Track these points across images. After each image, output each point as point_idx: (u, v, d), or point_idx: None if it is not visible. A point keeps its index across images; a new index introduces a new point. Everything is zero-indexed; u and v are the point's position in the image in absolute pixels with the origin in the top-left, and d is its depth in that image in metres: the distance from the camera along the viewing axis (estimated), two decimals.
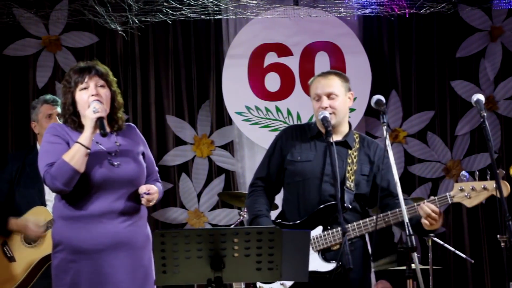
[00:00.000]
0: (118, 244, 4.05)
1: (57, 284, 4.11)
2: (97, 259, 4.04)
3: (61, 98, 4.26)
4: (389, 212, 4.33)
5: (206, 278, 3.50)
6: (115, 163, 4.12)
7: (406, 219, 3.95)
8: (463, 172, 4.28)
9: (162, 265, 3.46)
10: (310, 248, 4.29)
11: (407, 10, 7.13)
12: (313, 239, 4.36)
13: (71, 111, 4.17)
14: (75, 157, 3.98)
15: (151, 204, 4.16)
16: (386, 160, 4.25)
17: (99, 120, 4.02)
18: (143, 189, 4.12)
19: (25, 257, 5.34)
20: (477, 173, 4.31)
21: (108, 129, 4.15)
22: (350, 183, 4.42)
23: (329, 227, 4.39)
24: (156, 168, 4.44)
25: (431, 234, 6.37)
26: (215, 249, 3.44)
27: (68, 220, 4.10)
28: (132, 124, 4.40)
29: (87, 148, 4.00)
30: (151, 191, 4.11)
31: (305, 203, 4.45)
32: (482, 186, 4.25)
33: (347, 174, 4.44)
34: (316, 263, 4.33)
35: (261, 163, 4.68)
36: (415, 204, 4.31)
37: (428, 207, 4.23)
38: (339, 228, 4.33)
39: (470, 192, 4.27)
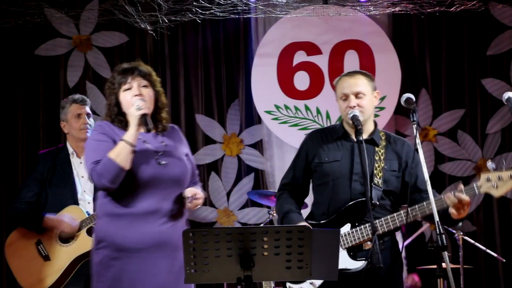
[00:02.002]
0: (161, 244, 4.04)
1: (98, 280, 4.11)
2: (139, 257, 4.04)
3: (106, 99, 4.27)
4: (416, 206, 4.32)
5: (236, 277, 3.51)
6: (162, 162, 4.12)
7: (437, 218, 3.94)
8: (489, 163, 4.25)
9: (192, 264, 3.47)
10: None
11: (437, 8, 7.09)
12: (341, 236, 4.36)
13: (116, 111, 4.18)
14: (120, 154, 3.99)
15: (195, 208, 4.17)
16: (414, 157, 4.30)
17: (143, 117, 4.03)
18: (189, 192, 4.12)
19: (59, 256, 5.37)
20: (504, 162, 4.29)
21: (152, 130, 4.17)
22: (378, 180, 4.41)
23: (357, 224, 4.39)
24: (197, 171, 4.44)
25: (459, 224, 6.34)
26: (244, 247, 3.44)
27: (113, 217, 4.10)
28: (176, 126, 4.39)
29: (132, 145, 4.01)
30: (198, 195, 4.11)
31: (336, 203, 4.45)
32: (509, 175, 4.22)
33: (375, 171, 4.44)
34: (345, 261, 4.32)
35: (288, 169, 4.72)
36: (441, 196, 4.29)
37: (456, 197, 4.21)
38: (367, 225, 4.34)
39: (496, 181, 4.24)
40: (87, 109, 5.64)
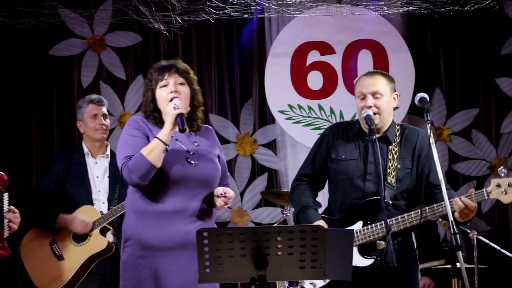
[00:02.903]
0: (187, 244, 4.03)
1: (124, 278, 4.11)
2: (165, 256, 4.05)
3: (143, 96, 4.28)
4: (426, 208, 4.32)
5: (250, 277, 3.51)
6: (193, 162, 4.13)
7: (451, 218, 3.93)
8: (501, 168, 4.23)
9: (205, 264, 3.47)
10: None
11: (451, 7, 7.07)
12: None
13: (151, 108, 4.20)
14: (153, 152, 3.99)
15: (225, 207, 4.18)
16: (427, 150, 4.35)
17: (179, 117, 4.02)
18: (219, 190, 4.12)
19: (73, 256, 5.39)
20: None
21: (186, 126, 4.17)
22: (391, 179, 4.41)
23: (369, 222, 4.39)
24: (228, 173, 4.45)
25: (468, 224, 6.35)
26: (258, 247, 3.45)
27: (141, 214, 4.10)
28: (210, 127, 4.40)
29: (166, 144, 4.01)
30: (228, 194, 4.11)
31: (348, 201, 4.46)
32: None
33: (388, 170, 4.44)
34: (354, 258, 4.32)
35: (306, 159, 4.70)
36: (451, 199, 4.28)
37: (462, 202, 4.20)
38: (378, 224, 4.35)
39: (506, 188, 4.22)
40: (104, 109, 5.65)
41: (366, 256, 4.39)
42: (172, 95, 4.11)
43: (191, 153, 4.16)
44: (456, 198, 4.25)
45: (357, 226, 4.41)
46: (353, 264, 4.28)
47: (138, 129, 4.17)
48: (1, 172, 4.43)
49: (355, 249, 4.36)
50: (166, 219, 4.06)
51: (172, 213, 4.07)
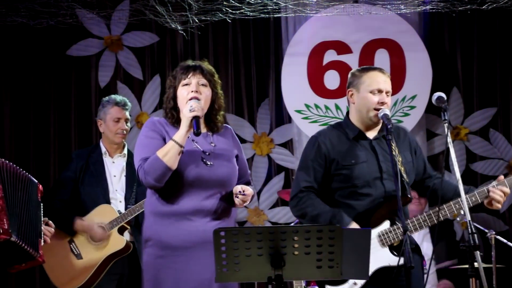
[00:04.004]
0: (206, 243, 4.02)
1: (145, 279, 4.15)
2: (184, 255, 4.07)
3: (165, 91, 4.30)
4: (445, 206, 4.32)
5: (267, 276, 3.51)
6: (209, 163, 4.13)
7: (469, 217, 3.92)
8: None
9: (222, 263, 3.48)
10: (380, 244, 4.28)
11: (469, 6, 7.04)
12: (382, 234, 4.33)
13: (171, 105, 4.21)
14: (168, 154, 4.01)
15: (245, 205, 4.16)
16: (417, 143, 4.51)
17: (195, 119, 4.03)
18: (238, 188, 4.12)
19: (91, 255, 5.42)
20: None
21: (204, 129, 4.20)
22: (404, 174, 4.38)
23: (396, 221, 4.36)
24: (249, 171, 4.44)
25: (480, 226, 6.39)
26: (275, 247, 3.45)
27: (159, 215, 4.13)
28: (229, 126, 4.40)
29: (181, 146, 4.03)
30: (247, 192, 4.11)
31: (370, 204, 4.40)
32: None
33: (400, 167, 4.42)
34: (388, 258, 4.30)
35: (303, 173, 4.49)
36: (485, 188, 4.31)
37: (501, 191, 4.27)
38: (408, 221, 4.35)
39: None
40: (127, 114, 5.67)
41: (397, 255, 4.33)
42: (192, 95, 4.12)
43: (207, 153, 4.16)
44: (492, 188, 4.30)
45: (385, 225, 4.38)
46: (388, 264, 4.29)
47: (154, 131, 4.19)
48: (37, 181, 4.47)
49: (386, 249, 4.34)
50: (184, 219, 4.08)
51: (190, 213, 4.08)
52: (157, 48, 7.69)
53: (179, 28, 7.15)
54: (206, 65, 4.27)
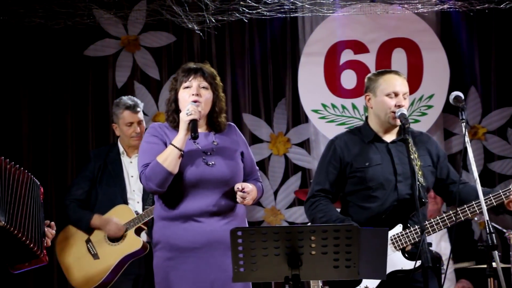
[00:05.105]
0: (214, 243, 4.06)
1: (156, 281, 4.18)
2: (193, 257, 4.08)
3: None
4: (465, 206, 4.30)
5: (284, 276, 3.51)
6: (210, 163, 4.13)
7: (487, 217, 3.90)
8: None
9: (239, 263, 3.48)
10: (392, 248, 4.28)
11: (486, 5, 7.01)
12: (394, 238, 4.33)
13: (173, 108, 4.22)
14: (168, 158, 4.02)
15: (246, 202, 4.13)
16: (441, 149, 4.45)
17: (192, 123, 4.03)
18: (237, 185, 4.11)
19: (108, 255, 5.43)
20: None
21: (206, 129, 4.21)
22: (420, 178, 4.36)
23: (409, 225, 4.35)
24: (257, 168, 4.42)
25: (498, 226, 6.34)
26: (292, 246, 3.45)
27: (166, 219, 4.15)
28: (233, 124, 4.40)
29: (180, 150, 4.03)
30: (246, 189, 4.09)
31: (382, 207, 4.40)
32: None
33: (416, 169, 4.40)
34: (401, 262, 4.30)
35: (318, 175, 4.56)
36: (489, 196, 4.28)
37: None
38: (417, 226, 4.31)
39: None
40: (140, 115, 5.66)
41: (413, 259, 4.32)
42: (193, 98, 4.12)
43: (208, 153, 4.17)
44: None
45: (397, 229, 4.37)
46: (401, 267, 4.28)
47: (155, 136, 4.20)
48: (39, 183, 4.46)
49: (399, 253, 4.33)
50: (190, 220, 4.10)
51: (195, 215, 4.09)
52: (174, 48, 7.70)
53: (196, 28, 7.16)
54: (208, 68, 4.26)
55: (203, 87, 4.18)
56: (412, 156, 4.31)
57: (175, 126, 4.17)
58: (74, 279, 5.50)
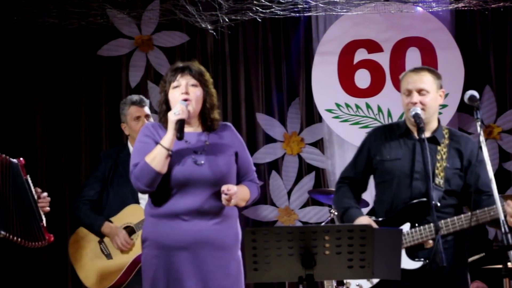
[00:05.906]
0: (201, 242, 4.07)
1: (143, 278, 4.20)
2: (179, 256, 4.08)
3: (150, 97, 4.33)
4: (477, 211, 4.26)
5: (297, 276, 3.51)
6: (199, 162, 4.14)
7: (502, 217, 3.88)
8: None
9: (253, 263, 3.48)
10: None
11: (501, 3, 6.97)
12: None
13: (164, 109, 4.23)
14: (156, 158, 4.04)
15: (232, 204, 4.08)
16: (478, 156, 4.25)
17: (179, 123, 4.05)
18: (223, 188, 4.08)
19: (121, 255, 5.43)
20: None
21: (199, 128, 4.21)
22: (439, 180, 4.35)
23: (416, 224, 4.34)
24: (253, 168, 4.40)
25: None
26: (306, 246, 3.44)
27: (155, 217, 4.17)
28: (229, 124, 4.39)
29: (168, 150, 4.05)
30: (229, 192, 4.04)
31: (396, 201, 4.42)
32: None
33: (436, 171, 4.38)
34: (403, 260, 4.28)
35: (349, 163, 4.71)
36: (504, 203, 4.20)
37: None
38: (426, 226, 4.30)
39: None
40: (146, 110, 5.66)
41: (415, 259, 4.34)
42: (183, 97, 4.13)
43: (199, 152, 4.16)
44: (508, 201, 4.17)
45: (405, 228, 4.36)
46: (402, 266, 4.26)
47: (147, 136, 4.23)
48: (16, 160, 4.40)
49: (403, 252, 4.32)
50: (177, 219, 4.10)
51: (183, 213, 4.09)
52: (187, 47, 7.70)
53: (209, 27, 7.16)
54: (195, 65, 4.28)
55: (192, 85, 4.19)
56: (439, 157, 4.30)
57: (167, 126, 4.18)
58: (88, 279, 5.50)
